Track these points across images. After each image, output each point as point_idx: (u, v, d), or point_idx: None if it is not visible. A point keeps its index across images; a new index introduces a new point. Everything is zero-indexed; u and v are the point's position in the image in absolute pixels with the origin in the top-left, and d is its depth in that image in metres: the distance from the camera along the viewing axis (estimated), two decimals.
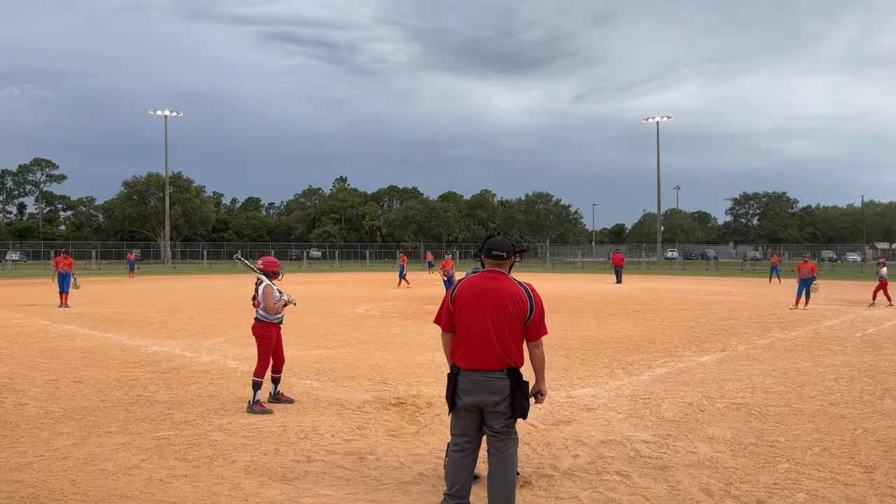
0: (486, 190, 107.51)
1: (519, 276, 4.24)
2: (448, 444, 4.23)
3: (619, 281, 33.93)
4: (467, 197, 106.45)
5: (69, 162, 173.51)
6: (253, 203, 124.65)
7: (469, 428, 4.02)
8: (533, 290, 4.05)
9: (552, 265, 68.04)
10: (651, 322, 15.05)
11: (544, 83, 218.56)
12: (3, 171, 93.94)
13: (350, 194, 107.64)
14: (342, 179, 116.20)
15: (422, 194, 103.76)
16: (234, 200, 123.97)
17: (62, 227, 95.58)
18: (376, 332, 13.33)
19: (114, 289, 28.34)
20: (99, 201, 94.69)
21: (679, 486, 4.63)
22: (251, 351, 8.16)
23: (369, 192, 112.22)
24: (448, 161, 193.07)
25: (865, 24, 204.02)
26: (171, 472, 4.90)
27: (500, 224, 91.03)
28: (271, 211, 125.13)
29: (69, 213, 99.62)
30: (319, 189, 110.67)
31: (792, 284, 23.13)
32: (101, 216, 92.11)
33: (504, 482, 3.93)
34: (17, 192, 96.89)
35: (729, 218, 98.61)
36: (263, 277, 6.99)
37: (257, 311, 6.95)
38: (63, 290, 19.05)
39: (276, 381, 7.10)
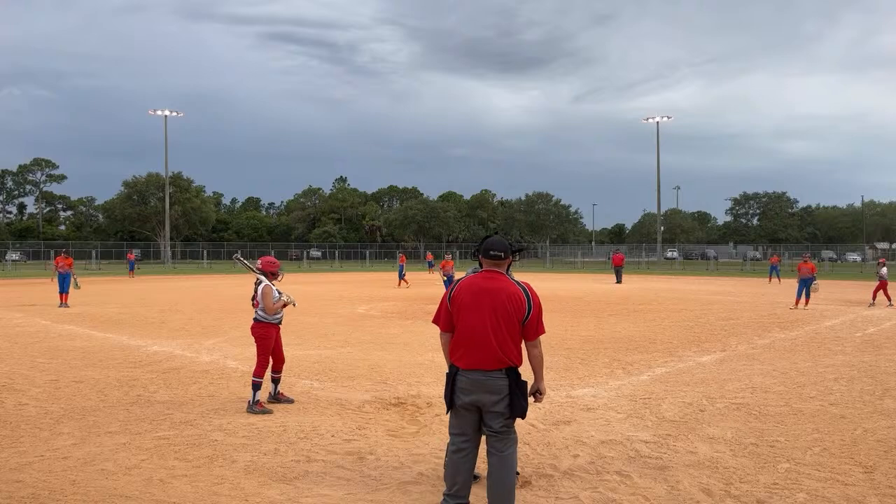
0: (486, 190, 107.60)
1: (519, 276, 4.24)
2: (448, 444, 4.23)
3: (619, 281, 33.94)
4: (467, 197, 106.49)
5: (69, 162, 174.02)
6: (253, 203, 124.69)
7: (468, 427, 4.02)
8: (531, 289, 4.04)
9: (552, 265, 68.07)
10: (651, 322, 15.05)
11: (544, 83, 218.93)
12: (3, 171, 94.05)
13: (350, 194, 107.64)
14: (342, 179, 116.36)
15: (422, 194, 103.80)
16: (234, 200, 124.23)
17: (62, 227, 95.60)
18: (376, 332, 13.33)
19: (114, 289, 28.35)
20: (99, 201, 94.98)
21: (679, 486, 4.63)
22: (251, 351, 8.16)
23: (369, 192, 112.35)
24: (448, 161, 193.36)
25: (865, 24, 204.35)
26: (171, 472, 4.90)
27: (500, 224, 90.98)
28: (271, 211, 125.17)
29: (69, 213, 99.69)
30: (319, 189, 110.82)
31: (792, 284, 23.15)
32: (101, 216, 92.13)
33: (504, 482, 3.93)
34: (17, 192, 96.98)
35: (729, 218, 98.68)
36: (263, 278, 7.00)
37: (256, 312, 6.96)
38: (63, 290, 19.07)
39: (275, 381, 7.10)
